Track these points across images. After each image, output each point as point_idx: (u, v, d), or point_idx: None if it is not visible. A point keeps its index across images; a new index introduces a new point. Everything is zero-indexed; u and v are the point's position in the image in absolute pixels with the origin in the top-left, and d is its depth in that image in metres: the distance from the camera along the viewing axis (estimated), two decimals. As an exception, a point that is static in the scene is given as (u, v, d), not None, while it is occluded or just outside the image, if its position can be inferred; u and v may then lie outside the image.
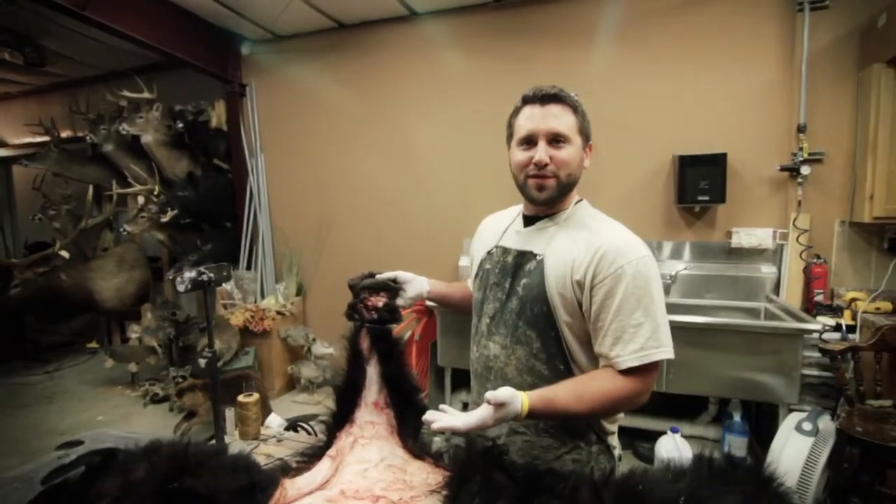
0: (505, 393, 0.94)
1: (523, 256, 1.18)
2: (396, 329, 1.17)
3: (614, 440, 1.22)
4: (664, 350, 1.04)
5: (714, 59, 2.89)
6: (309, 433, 1.74)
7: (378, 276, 1.19)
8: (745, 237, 2.83)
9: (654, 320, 1.04)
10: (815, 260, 2.73)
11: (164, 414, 3.43)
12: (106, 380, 4.09)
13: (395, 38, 3.60)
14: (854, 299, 2.53)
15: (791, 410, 2.22)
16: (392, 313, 1.15)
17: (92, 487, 0.79)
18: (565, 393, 1.02)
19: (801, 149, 2.71)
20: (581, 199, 1.22)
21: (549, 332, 1.12)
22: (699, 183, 2.80)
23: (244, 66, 4.09)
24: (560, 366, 1.12)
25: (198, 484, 0.77)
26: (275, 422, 1.46)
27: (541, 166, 1.11)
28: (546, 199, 1.15)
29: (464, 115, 3.41)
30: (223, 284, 2.89)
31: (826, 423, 2.04)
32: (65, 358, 4.78)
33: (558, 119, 1.11)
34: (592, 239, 1.10)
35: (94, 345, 4.94)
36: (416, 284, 1.26)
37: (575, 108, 1.14)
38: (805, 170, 2.70)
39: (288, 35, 3.91)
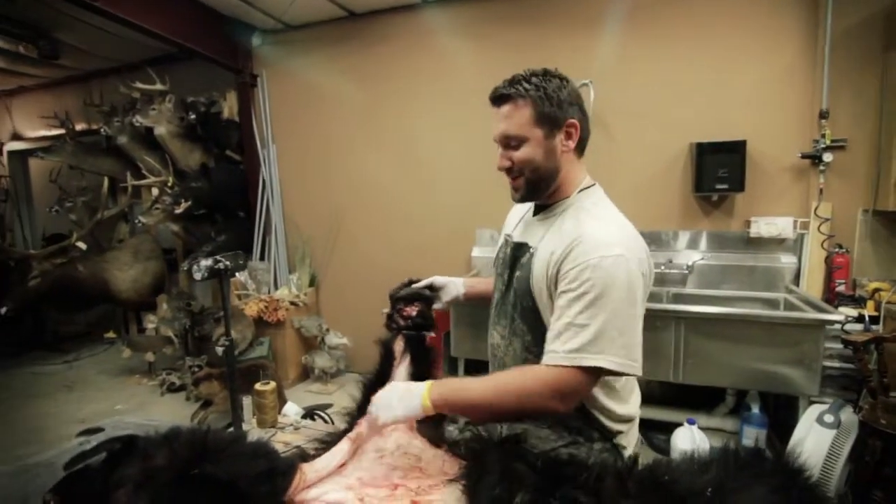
0: (379, 402, 0.99)
1: (520, 248, 1.18)
2: (431, 336, 1.24)
3: (625, 439, 1.17)
4: (604, 358, 0.95)
5: (732, 43, 2.81)
6: (326, 421, 1.74)
7: (414, 286, 1.27)
8: (764, 226, 2.78)
9: (601, 325, 0.95)
10: (836, 249, 2.67)
11: (180, 403, 3.48)
12: (123, 369, 4.15)
13: (405, 27, 3.56)
14: (877, 289, 2.47)
15: (811, 402, 2.18)
16: (425, 321, 1.23)
17: (113, 473, 0.80)
18: (482, 383, 1.00)
19: (823, 135, 2.64)
20: (590, 186, 1.17)
21: (538, 328, 1.10)
22: (717, 171, 2.75)
23: (255, 57, 4.08)
24: None
25: (218, 470, 0.77)
26: (292, 410, 1.46)
27: (503, 170, 1.14)
28: (520, 198, 1.17)
29: (475, 105, 3.35)
30: (238, 274, 2.90)
31: (848, 416, 2.00)
32: (83, 348, 4.86)
33: (509, 120, 1.09)
34: (574, 231, 1.05)
35: (111, 335, 5.01)
36: (451, 288, 1.31)
37: (532, 99, 1.07)
38: (827, 157, 2.63)
39: (298, 25, 3.89)
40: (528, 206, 1.27)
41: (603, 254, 0.98)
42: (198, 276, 1.14)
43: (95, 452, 1.11)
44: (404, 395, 0.97)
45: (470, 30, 3.38)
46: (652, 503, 0.71)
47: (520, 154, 1.10)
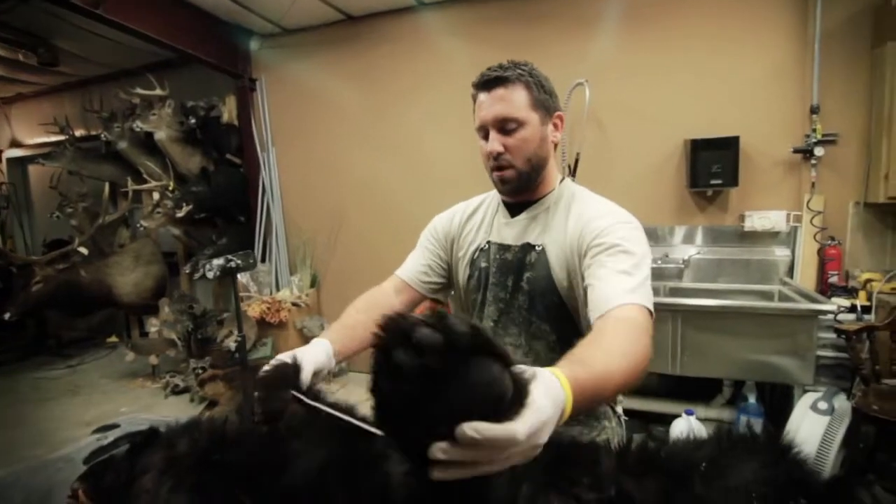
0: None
1: (523, 250, 1.12)
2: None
3: (620, 408, 1.22)
4: (650, 305, 0.91)
5: (725, 40, 2.87)
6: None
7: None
8: (758, 220, 2.82)
9: (644, 274, 0.94)
10: (829, 242, 2.72)
11: (185, 404, 3.51)
12: (127, 373, 4.18)
13: (403, 29, 3.61)
14: (869, 280, 2.52)
15: (806, 391, 2.22)
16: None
17: (137, 461, 0.83)
18: (599, 348, 0.78)
19: (814, 130, 2.69)
20: (564, 178, 1.17)
21: (565, 324, 1.08)
22: (711, 167, 2.80)
23: (254, 61, 4.12)
24: None
25: (237, 456, 0.81)
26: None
27: (495, 157, 1.06)
28: (510, 190, 1.10)
29: (472, 106, 3.41)
30: (239, 275, 2.93)
31: (841, 403, 2.05)
32: (86, 352, 4.89)
33: (504, 102, 1.03)
34: (582, 213, 1.07)
35: (113, 339, 5.04)
36: (308, 363, 0.90)
37: (526, 83, 1.04)
38: (819, 151, 2.68)
39: (296, 29, 3.93)
40: (486, 209, 1.23)
41: (626, 219, 1.03)
42: (210, 274, 1.18)
43: (115, 447, 1.15)
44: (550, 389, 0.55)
45: (466, 30, 3.43)
46: (650, 477, 0.76)
47: (515, 140, 1.04)
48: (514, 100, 1.03)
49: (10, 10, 3.46)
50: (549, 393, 0.54)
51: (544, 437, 0.52)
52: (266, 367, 0.87)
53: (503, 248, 1.15)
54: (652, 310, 0.91)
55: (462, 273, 1.23)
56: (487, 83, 1.05)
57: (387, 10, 3.60)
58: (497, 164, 1.06)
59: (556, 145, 1.13)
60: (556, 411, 0.55)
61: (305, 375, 0.87)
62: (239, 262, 1.23)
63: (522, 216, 1.14)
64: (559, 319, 1.08)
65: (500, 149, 1.04)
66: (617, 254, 0.95)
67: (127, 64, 4.44)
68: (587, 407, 0.73)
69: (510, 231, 1.15)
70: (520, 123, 1.03)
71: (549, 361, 0.95)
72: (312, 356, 0.92)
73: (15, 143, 5.79)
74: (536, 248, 1.10)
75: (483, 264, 1.17)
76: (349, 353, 1.10)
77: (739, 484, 0.77)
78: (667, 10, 2.96)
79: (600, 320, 0.87)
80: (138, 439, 0.90)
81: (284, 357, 0.90)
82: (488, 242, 1.18)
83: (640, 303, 0.88)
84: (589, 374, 0.68)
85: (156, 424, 1.04)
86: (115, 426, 1.34)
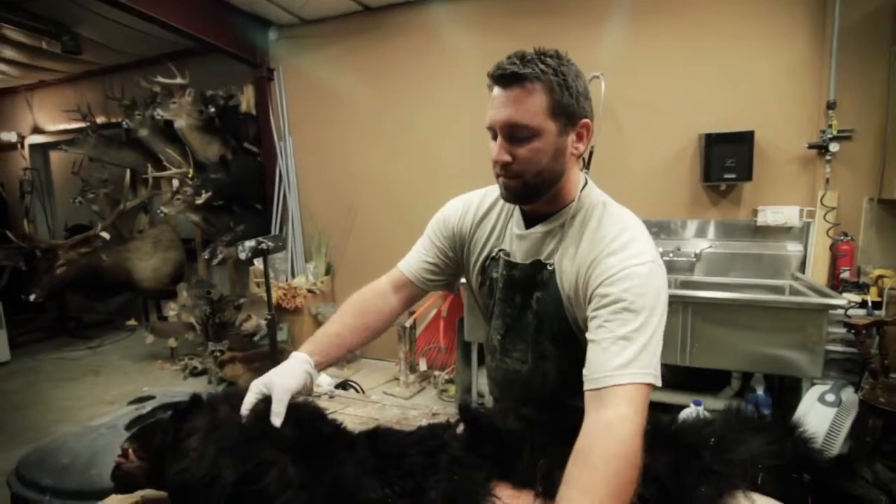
0: None
1: (533, 267, 1.02)
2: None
3: None
4: (650, 375, 0.82)
5: (742, 34, 2.87)
6: (357, 391, 1.85)
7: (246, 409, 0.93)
8: (771, 215, 2.84)
9: (647, 337, 0.83)
10: (842, 237, 2.73)
11: (203, 386, 3.61)
12: (146, 355, 4.30)
13: (419, 21, 3.63)
14: (881, 276, 2.53)
15: (814, 384, 2.25)
16: None
17: (183, 425, 0.90)
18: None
19: (830, 126, 2.70)
20: (586, 183, 1.02)
21: (575, 347, 0.97)
22: (725, 161, 2.81)
23: (272, 51, 4.18)
24: None
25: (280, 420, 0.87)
26: (325, 381, 1.57)
27: (501, 165, 0.93)
28: (512, 198, 0.99)
29: (487, 98, 3.44)
30: (256, 262, 3.00)
31: (849, 395, 2.08)
32: (105, 335, 5.02)
33: (519, 106, 0.88)
34: (595, 237, 0.94)
35: (132, 322, 5.16)
36: (279, 389, 0.93)
37: (548, 84, 0.88)
38: (834, 147, 2.69)
39: (314, 20, 3.98)
40: (500, 211, 1.11)
41: (639, 261, 0.87)
42: (243, 255, 1.24)
43: (153, 415, 1.23)
44: None
45: (481, 23, 3.45)
46: (662, 449, 0.81)
47: (526, 150, 0.90)
48: (530, 104, 0.88)
49: (36, -2, 3.54)
50: None
51: None
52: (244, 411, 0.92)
53: (510, 265, 1.05)
54: (652, 381, 0.82)
55: (474, 279, 1.16)
56: (503, 78, 0.90)
57: (404, 2, 3.63)
58: (503, 172, 0.95)
59: (579, 157, 0.98)
60: None
61: (278, 409, 0.90)
62: (270, 243, 1.29)
63: (537, 230, 1.02)
64: (568, 342, 0.99)
65: (507, 158, 0.92)
66: (620, 312, 0.84)
67: (148, 52, 4.51)
68: None
69: (520, 246, 1.05)
70: (533, 133, 0.89)
71: (558, 383, 1.03)
72: (285, 386, 0.94)
73: (37, 130, 5.92)
74: (548, 266, 1.00)
75: (494, 275, 1.09)
76: (333, 360, 1.12)
77: (746, 457, 0.82)
78: (682, 3, 2.96)
79: (586, 422, 0.80)
80: (183, 405, 0.96)
81: (259, 384, 0.94)
82: (500, 251, 1.08)
83: (634, 381, 0.80)
84: None
85: (197, 393, 1.10)
86: (150, 397, 1.42)
